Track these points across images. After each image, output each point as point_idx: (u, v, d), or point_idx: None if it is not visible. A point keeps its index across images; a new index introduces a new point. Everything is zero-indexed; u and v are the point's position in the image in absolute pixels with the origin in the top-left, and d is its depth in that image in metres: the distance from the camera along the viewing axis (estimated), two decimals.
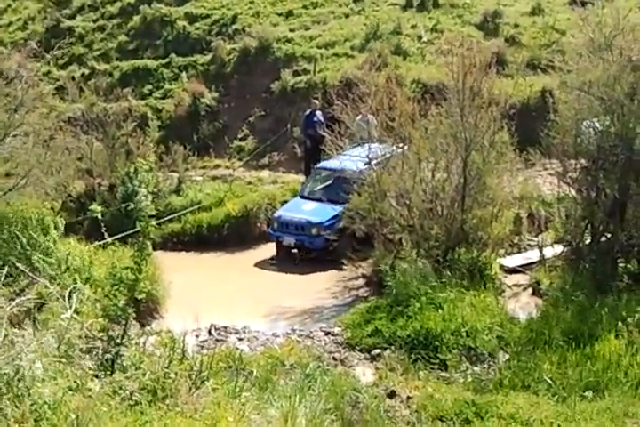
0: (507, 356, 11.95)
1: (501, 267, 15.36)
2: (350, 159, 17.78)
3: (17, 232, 13.48)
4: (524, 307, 14.10)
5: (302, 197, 18.63)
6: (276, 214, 18.19)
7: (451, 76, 15.06)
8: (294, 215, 17.84)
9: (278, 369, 10.50)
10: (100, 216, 8.19)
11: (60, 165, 16.94)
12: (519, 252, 16.41)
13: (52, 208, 14.94)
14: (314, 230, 17.47)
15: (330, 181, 18.45)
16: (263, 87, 24.38)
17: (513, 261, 15.92)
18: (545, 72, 22.68)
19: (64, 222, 14.67)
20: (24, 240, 13.44)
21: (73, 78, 24.41)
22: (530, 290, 15.03)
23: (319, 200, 18.10)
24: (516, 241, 16.60)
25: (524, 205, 17.22)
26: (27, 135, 15.26)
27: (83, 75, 25.48)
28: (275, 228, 18.00)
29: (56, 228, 14.19)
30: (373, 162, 16.93)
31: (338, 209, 17.29)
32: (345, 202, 16.70)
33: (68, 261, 13.72)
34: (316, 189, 18.76)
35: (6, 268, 8.83)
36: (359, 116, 17.75)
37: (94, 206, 8.26)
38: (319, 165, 19.00)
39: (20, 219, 13.76)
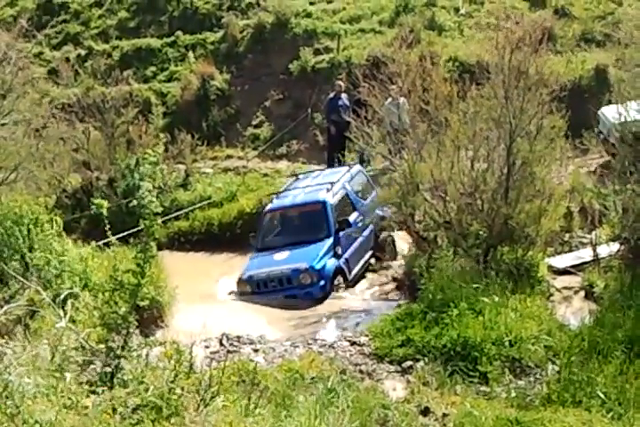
0: (556, 368, 11.90)
1: (550, 268, 15.30)
2: (306, 191, 17.68)
3: (8, 231, 13.60)
4: (575, 312, 14.04)
5: (260, 249, 17.15)
6: (243, 277, 16.44)
7: (493, 54, 15.02)
8: (271, 269, 16.23)
9: (297, 384, 10.53)
10: (104, 212, 8.22)
11: (53, 156, 17.11)
12: (570, 251, 16.36)
13: (45, 205, 15.05)
14: (305, 279, 15.95)
15: (289, 222, 17.60)
16: (280, 68, 24.50)
17: (563, 261, 15.87)
18: (600, 47, 22.65)
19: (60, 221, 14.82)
20: (18, 240, 13.57)
21: (67, 60, 24.64)
22: (582, 293, 14.98)
23: (287, 246, 16.73)
24: (566, 239, 16.56)
25: (576, 198, 17.17)
26: (16, 124, 15.41)
27: (78, 56, 25.71)
28: (247, 292, 16.29)
29: (52, 227, 14.32)
30: (338, 185, 17.36)
31: (323, 245, 16.44)
32: (319, 239, 16.40)
33: (64, 263, 13.83)
34: (276, 237, 17.47)
35: None
36: (389, 100, 17.76)
37: (99, 201, 8.29)
38: (269, 208, 17.81)
39: (11, 216, 13.88)
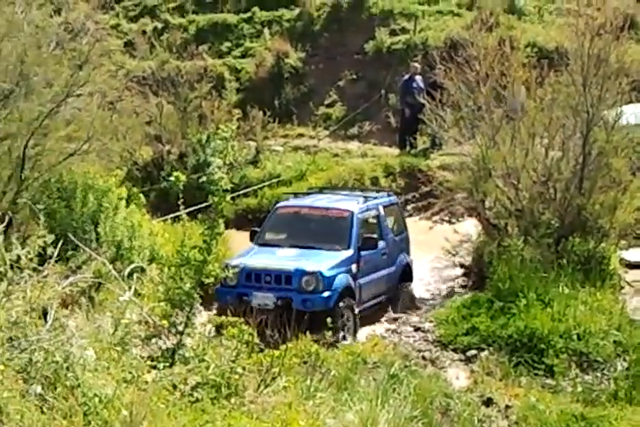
0: (624, 364, 11.69)
1: (622, 261, 15.04)
2: (334, 199, 15.37)
3: (80, 201, 13.69)
4: None
5: (262, 245, 14.37)
6: (231, 262, 13.01)
7: (573, 40, 14.74)
8: (270, 262, 13.46)
9: (359, 368, 10.42)
10: (181, 187, 8.08)
11: (126, 129, 17.09)
12: None
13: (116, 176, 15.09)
14: (308, 284, 13.08)
15: (304, 224, 14.67)
16: (356, 47, 24.30)
17: (636, 254, 15.58)
18: None
19: (141, 196, 14.98)
20: (90, 211, 13.65)
21: (144, 33, 24.67)
22: None
23: (295, 247, 14.04)
24: None
25: None
26: (91, 95, 15.40)
27: (155, 29, 25.75)
28: (232, 283, 12.96)
29: (129, 200, 14.41)
30: (372, 203, 15.06)
31: (339, 255, 13.76)
32: (336, 249, 13.84)
33: (134, 236, 13.87)
34: (283, 236, 14.78)
35: (62, 241, 8.86)
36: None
37: (177, 174, 8.15)
38: (283, 204, 15.31)
39: (82, 186, 13.95)
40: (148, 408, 5.91)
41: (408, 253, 15.74)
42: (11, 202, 12.90)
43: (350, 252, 13.87)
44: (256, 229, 14.85)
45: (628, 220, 14.71)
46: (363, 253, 14.00)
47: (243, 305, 11.88)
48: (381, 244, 14.60)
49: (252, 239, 14.56)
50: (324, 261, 13.48)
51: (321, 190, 16.59)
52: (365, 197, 15.27)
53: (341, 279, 13.36)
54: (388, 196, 15.98)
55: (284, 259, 13.57)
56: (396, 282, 15.01)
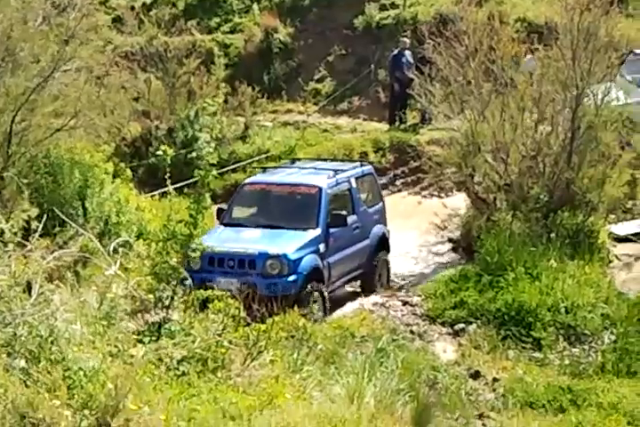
0: (612, 337, 11.73)
1: (610, 235, 15.06)
2: (303, 173, 14.71)
3: (67, 177, 13.64)
4: (634, 280, 13.79)
5: (227, 225, 13.75)
6: (193, 246, 10.70)
7: (563, 15, 14.72)
8: (234, 246, 12.76)
9: (347, 341, 10.45)
10: (168, 161, 8.01)
11: (114, 104, 17.00)
12: (632, 218, 16.06)
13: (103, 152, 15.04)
14: (272, 267, 12.50)
15: (270, 202, 14.27)
16: (345, 23, 24.16)
17: (624, 228, 15.59)
18: None
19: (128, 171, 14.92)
20: (77, 186, 13.62)
21: (132, 8, 24.44)
22: None
23: (262, 227, 13.48)
24: (629, 206, 16.25)
25: None
26: (78, 71, 15.30)
27: (143, 4, 25.54)
28: (195, 267, 10.42)
29: (115, 176, 14.36)
30: (343, 176, 14.31)
31: (305, 235, 13.15)
32: (303, 228, 13.21)
33: (122, 212, 13.84)
34: (249, 215, 14.34)
35: (49, 216, 8.82)
36: (529, 56, 16.90)
37: (165, 147, 8.08)
38: (250, 181, 14.71)
39: (69, 161, 13.90)
40: (133, 382, 5.89)
41: (385, 223, 15.11)
42: None
43: (318, 231, 13.29)
44: (222, 206, 14.24)
45: (616, 194, 14.75)
46: (332, 230, 13.46)
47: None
48: (353, 218, 14.03)
49: (218, 217, 13.96)
50: (289, 242, 12.89)
51: (293, 162, 16.17)
52: (336, 170, 14.52)
53: (308, 261, 12.79)
54: (362, 166, 15.28)
55: (249, 241, 12.97)
56: (371, 255, 14.40)
